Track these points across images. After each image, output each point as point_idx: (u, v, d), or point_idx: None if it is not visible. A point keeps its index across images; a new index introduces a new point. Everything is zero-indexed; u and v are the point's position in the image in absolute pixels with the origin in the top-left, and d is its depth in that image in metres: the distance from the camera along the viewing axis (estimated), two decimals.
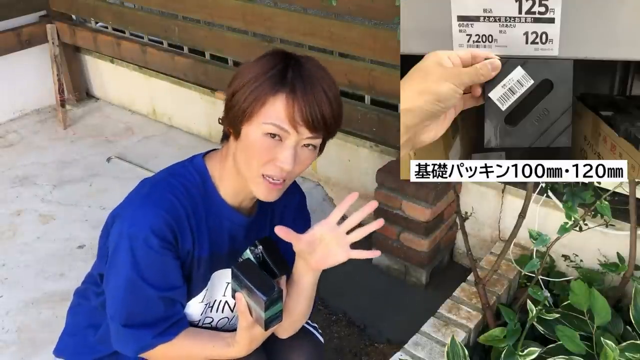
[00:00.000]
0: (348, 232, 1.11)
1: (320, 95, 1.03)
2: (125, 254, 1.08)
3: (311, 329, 1.40)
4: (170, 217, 1.08)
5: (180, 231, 1.10)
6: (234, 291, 1.09)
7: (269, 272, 1.09)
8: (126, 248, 1.07)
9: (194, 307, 1.21)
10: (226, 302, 1.27)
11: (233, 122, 1.07)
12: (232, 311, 1.30)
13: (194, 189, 1.13)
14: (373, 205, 1.10)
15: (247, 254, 1.12)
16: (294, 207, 1.31)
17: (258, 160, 1.05)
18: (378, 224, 1.09)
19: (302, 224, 1.30)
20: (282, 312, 1.08)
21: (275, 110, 1.02)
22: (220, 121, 1.13)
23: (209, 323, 1.28)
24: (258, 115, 1.03)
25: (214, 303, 1.25)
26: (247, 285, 1.05)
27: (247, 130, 1.05)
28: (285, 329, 1.26)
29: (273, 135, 1.03)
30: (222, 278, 1.23)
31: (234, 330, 1.15)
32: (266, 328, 1.08)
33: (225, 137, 1.16)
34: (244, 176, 1.10)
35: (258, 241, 1.11)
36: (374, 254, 1.13)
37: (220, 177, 1.16)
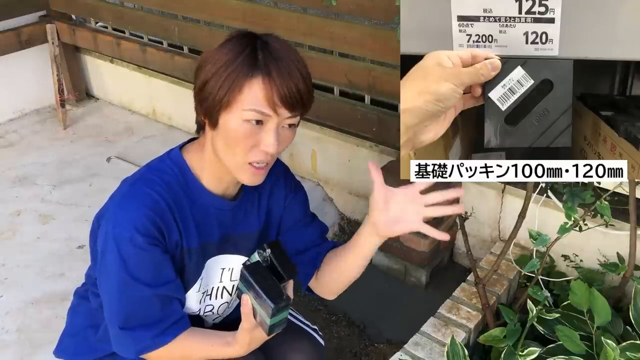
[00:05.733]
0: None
1: (293, 71, 1.04)
2: (113, 256, 1.07)
3: (311, 331, 1.40)
4: (152, 212, 1.07)
5: (164, 224, 1.09)
6: (240, 291, 1.09)
7: (276, 275, 1.08)
8: (113, 250, 1.07)
9: (192, 297, 1.21)
10: (224, 287, 1.27)
11: (209, 112, 1.06)
12: (230, 295, 1.30)
13: (174, 181, 1.13)
14: (459, 191, 1.07)
15: (255, 256, 1.12)
16: (282, 181, 1.29)
17: (242, 148, 1.05)
18: (458, 208, 1.09)
19: (294, 195, 1.30)
20: (286, 319, 1.08)
21: (254, 96, 1.02)
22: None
23: (210, 310, 1.28)
24: (236, 103, 1.03)
25: (211, 290, 1.26)
26: (256, 289, 1.04)
27: (225, 118, 1.04)
28: (331, 290, 1.31)
29: (254, 122, 1.03)
30: (216, 265, 1.23)
31: (236, 316, 1.14)
32: (269, 334, 1.08)
33: (200, 128, 1.16)
34: (226, 165, 1.10)
35: (267, 244, 1.11)
36: (444, 236, 1.10)
37: (201, 166, 1.15)
